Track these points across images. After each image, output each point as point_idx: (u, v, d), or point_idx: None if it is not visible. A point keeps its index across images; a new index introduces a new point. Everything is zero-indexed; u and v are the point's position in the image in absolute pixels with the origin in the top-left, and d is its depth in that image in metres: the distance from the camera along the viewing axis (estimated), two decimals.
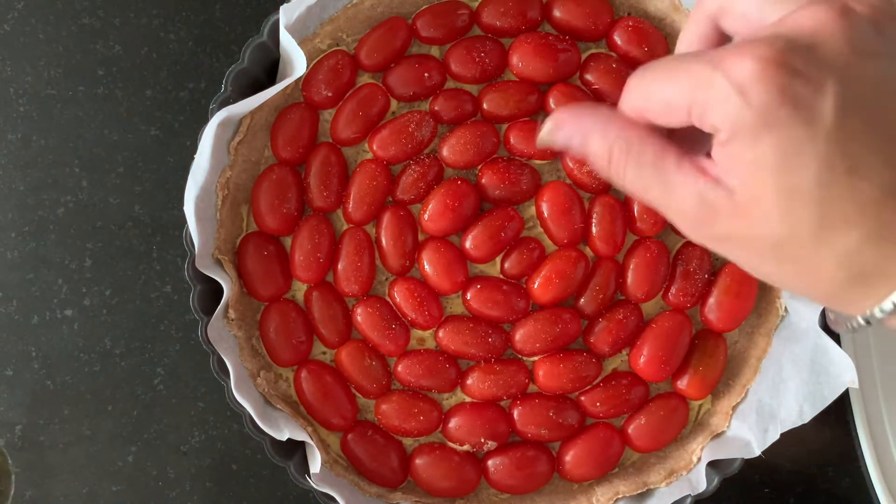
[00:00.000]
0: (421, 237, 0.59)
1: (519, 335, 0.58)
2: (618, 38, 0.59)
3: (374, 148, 0.59)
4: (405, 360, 0.59)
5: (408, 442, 0.59)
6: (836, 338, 0.57)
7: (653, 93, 0.35)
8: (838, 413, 0.63)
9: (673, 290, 0.59)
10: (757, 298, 0.59)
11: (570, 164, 0.59)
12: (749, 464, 0.56)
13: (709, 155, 0.34)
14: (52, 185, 0.63)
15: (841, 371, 0.55)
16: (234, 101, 0.54)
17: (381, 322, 0.58)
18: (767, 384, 0.58)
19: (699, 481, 0.56)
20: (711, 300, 0.59)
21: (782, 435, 0.56)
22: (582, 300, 0.59)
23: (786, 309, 0.58)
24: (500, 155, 0.60)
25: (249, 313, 0.58)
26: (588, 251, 0.59)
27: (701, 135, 0.35)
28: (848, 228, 0.32)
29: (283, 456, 0.55)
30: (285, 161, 0.58)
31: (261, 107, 0.56)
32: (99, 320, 0.63)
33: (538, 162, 0.60)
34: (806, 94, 0.31)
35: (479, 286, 0.58)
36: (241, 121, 0.56)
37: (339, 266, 0.58)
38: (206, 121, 0.54)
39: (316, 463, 0.55)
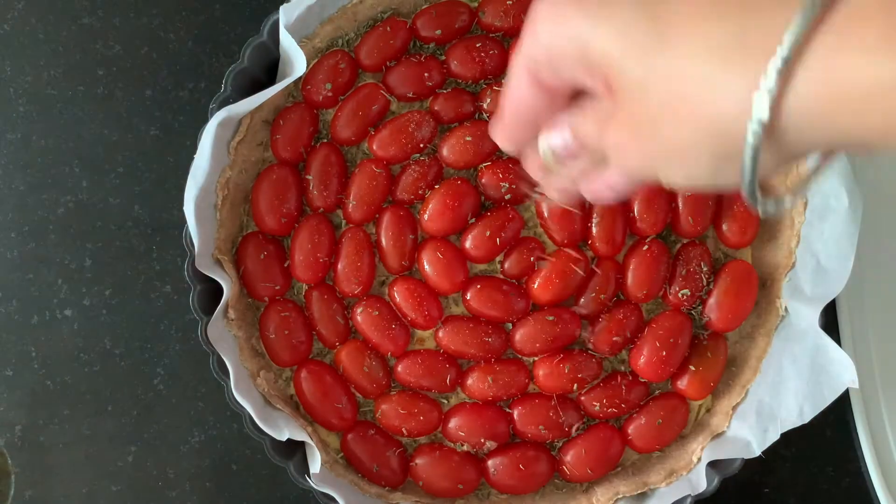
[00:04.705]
0: (421, 237, 0.59)
1: (519, 335, 0.58)
2: None
3: (374, 148, 0.59)
4: (405, 360, 0.59)
5: (407, 442, 0.59)
6: (836, 338, 0.57)
7: None
8: (838, 413, 0.63)
9: (673, 289, 0.59)
10: (757, 298, 0.59)
11: None
12: (749, 464, 0.56)
13: None
14: (51, 185, 0.63)
15: (841, 371, 0.55)
16: (234, 101, 0.54)
17: (381, 322, 0.58)
18: (767, 384, 0.58)
19: (699, 481, 0.56)
20: (711, 300, 0.59)
21: (782, 435, 0.56)
22: (582, 300, 0.59)
23: (786, 309, 0.58)
24: (499, 155, 0.60)
25: (249, 313, 0.58)
26: (588, 251, 0.59)
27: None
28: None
29: (282, 456, 0.55)
30: (285, 161, 0.58)
31: (261, 106, 0.56)
32: (99, 320, 0.63)
33: None
34: None
35: (479, 286, 0.58)
36: (241, 121, 0.56)
37: (339, 266, 0.58)
38: (205, 121, 0.54)
39: (316, 463, 0.55)
